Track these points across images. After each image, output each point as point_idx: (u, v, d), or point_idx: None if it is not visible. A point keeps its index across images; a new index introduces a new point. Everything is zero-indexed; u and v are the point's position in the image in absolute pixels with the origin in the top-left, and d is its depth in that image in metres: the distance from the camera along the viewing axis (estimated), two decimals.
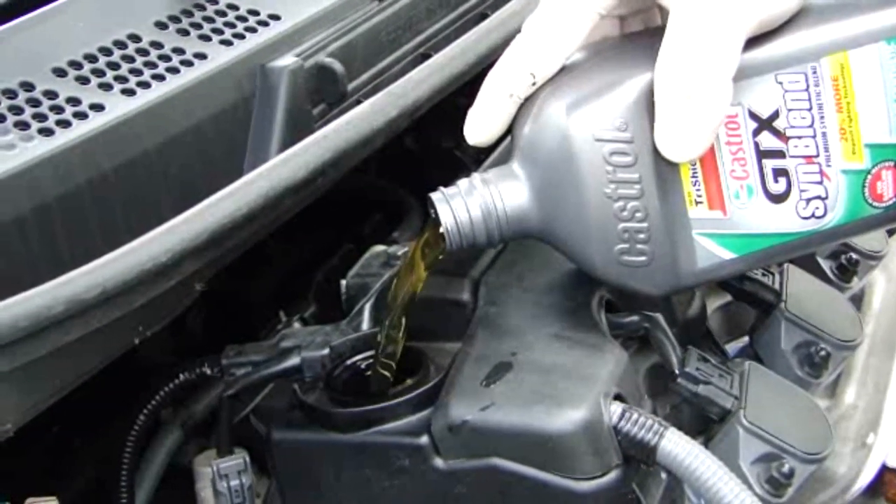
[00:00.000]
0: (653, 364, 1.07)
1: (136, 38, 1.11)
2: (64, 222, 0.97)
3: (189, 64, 1.11)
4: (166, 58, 1.10)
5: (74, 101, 1.02)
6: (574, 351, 0.98)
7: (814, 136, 0.92)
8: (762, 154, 0.92)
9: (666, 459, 0.90)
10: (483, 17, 1.40)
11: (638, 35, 0.99)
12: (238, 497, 1.08)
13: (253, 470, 1.11)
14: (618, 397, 0.94)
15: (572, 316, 1.02)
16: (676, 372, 1.02)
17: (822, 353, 1.15)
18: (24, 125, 0.98)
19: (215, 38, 1.15)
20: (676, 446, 0.90)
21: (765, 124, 0.92)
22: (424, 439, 0.97)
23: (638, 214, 0.92)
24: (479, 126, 0.97)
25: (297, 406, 1.05)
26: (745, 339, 1.22)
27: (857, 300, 1.37)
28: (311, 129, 1.14)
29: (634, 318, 1.06)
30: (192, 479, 1.14)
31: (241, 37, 1.16)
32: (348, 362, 1.08)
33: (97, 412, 1.17)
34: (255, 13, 1.20)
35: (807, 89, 0.91)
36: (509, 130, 0.97)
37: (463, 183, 0.96)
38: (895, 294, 1.42)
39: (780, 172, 0.93)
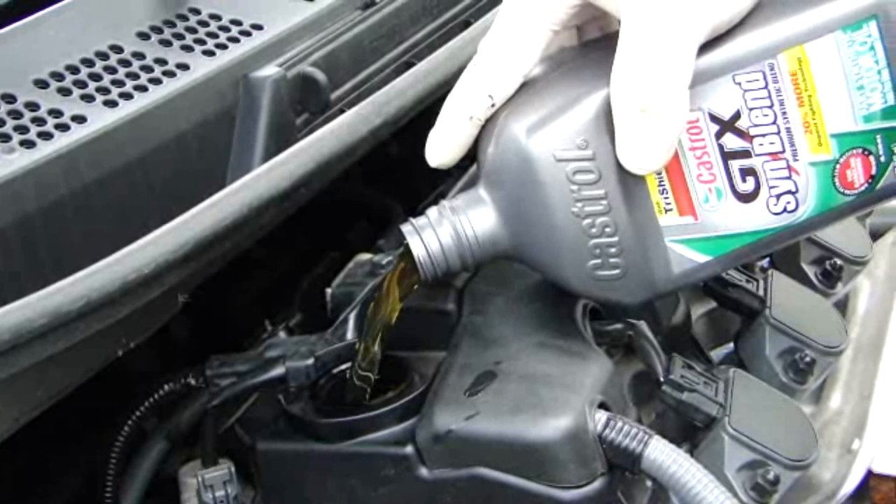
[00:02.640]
0: (637, 372, 1.06)
1: (118, 48, 1.11)
2: (46, 234, 0.97)
3: (171, 75, 1.11)
4: (149, 69, 1.10)
5: (56, 112, 1.02)
6: (558, 359, 0.98)
7: (778, 133, 0.92)
8: (727, 155, 0.92)
9: (651, 467, 0.90)
10: (467, 24, 1.40)
11: (595, 45, 0.99)
12: None
13: (238, 480, 1.10)
14: (602, 405, 0.94)
15: (556, 324, 1.02)
16: (661, 379, 1.02)
17: (807, 359, 1.15)
18: (5, 137, 0.98)
19: (198, 48, 1.15)
20: (661, 454, 0.90)
21: (727, 126, 0.92)
22: (409, 449, 0.97)
23: (607, 230, 0.92)
24: (440, 149, 0.97)
25: (282, 416, 1.05)
26: (730, 345, 1.22)
27: (842, 306, 1.37)
28: (294, 138, 1.14)
29: (618, 325, 1.06)
30: (178, 489, 1.14)
31: (223, 47, 1.16)
32: (333, 372, 1.07)
33: (82, 422, 1.17)
34: (238, 23, 1.20)
35: (766, 87, 0.91)
36: (473, 150, 0.97)
37: (432, 212, 0.97)
38: (880, 299, 1.42)
39: (747, 172, 0.93)
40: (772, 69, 0.91)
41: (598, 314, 1.06)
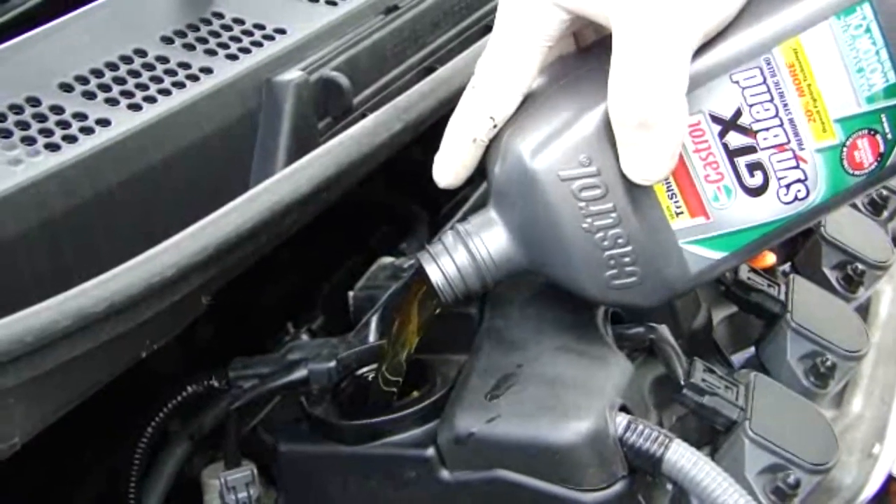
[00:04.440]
0: (658, 375, 1.07)
1: (142, 53, 1.11)
2: (70, 237, 0.98)
3: (195, 79, 1.11)
4: (172, 73, 1.11)
5: (81, 116, 1.03)
6: (579, 363, 0.98)
7: (781, 125, 0.92)
8: (732, 153, 0.92)
9: (671, 471, 0.90)
10: (488, 29, 1.39)
11: (591, 53, 0.98)
12: None
13: (261, 482, 1.11)
14: (623, 409, 0.94)
15: (577, 328, 1.02)
16: (682, 383, 1.02)
17: (828, 363, 1.15)
18: (30, 140, 0.99)
19: (221, 52, 1.15)
20: (682, 457, 0.90)
21: (729, 125, 0.92)
22: (431, 451, 0.97)
23: (620, 241, 0.93)
24: (446, 171, 0.98)
25: (304, 418, 1.05)
26: (751, 349, 1.22)
27: (864, 310, 1.37)
28: (316, 142, 1.14)
29: (640, 329, 1.06)
30: (201, 491, 1.14)
31: (246, 51, 1.17)
32: (355, 374, 1.08)
33: (106, 424, 1.17)
34: (261, 27, 1.20)
35: (764, 82, 0.91)
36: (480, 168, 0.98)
37: (447, 238, 0.97)
38: None
39: (754, 166, 0.93)
40: (768, 64, 0.91)
41: (620, 318, 1.07)
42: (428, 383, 1.03)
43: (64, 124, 1.01)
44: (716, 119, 0.92)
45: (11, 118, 1.00)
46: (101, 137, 1.02)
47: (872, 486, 1.16)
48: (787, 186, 0.94)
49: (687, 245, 0.94)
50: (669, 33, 0.86)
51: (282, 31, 1.21)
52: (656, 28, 0.86)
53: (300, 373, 1.08)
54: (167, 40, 1.14)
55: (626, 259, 0.94)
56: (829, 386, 1.16)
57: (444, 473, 0.97)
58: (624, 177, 0.91)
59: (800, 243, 1.35)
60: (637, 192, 0.92)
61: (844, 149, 0.93)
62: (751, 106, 0.91)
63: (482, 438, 0.94)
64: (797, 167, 0.93)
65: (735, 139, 0.92)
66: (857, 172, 0.94)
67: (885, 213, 1.45)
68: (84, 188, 0.99)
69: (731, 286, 1.21)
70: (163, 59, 1.12)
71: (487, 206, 0.97)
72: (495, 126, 0.95)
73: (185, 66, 1.12)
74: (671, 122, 0.87)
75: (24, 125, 1.00)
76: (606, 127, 0.90)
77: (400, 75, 1.29)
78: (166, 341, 0.98)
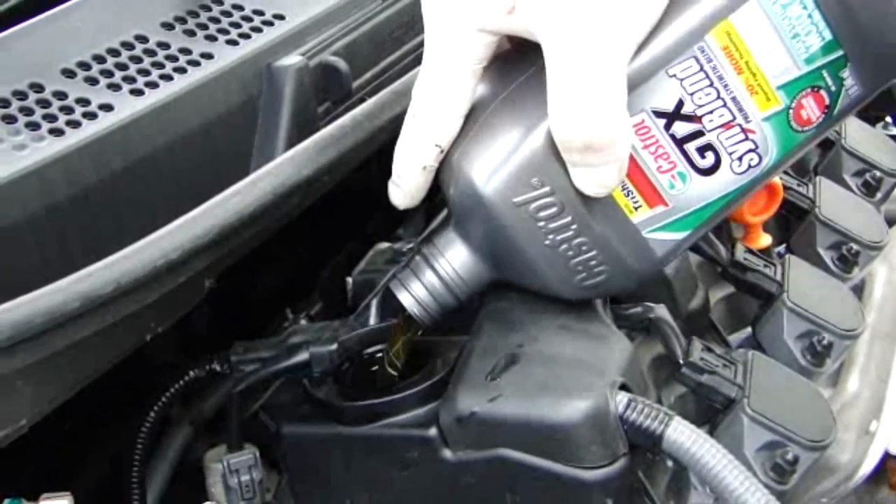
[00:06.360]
0: (657, 355, 1.07)
1: (143, 38, 1.12)
2: (75, 221, 0.98)
3: (196, 64, 1.12)
4: (173, 58, 1.11)
5: (84, 101, 1.03)
6: (579, 342, 0.99)
7: (724, 105, 0.93)
8: (681, 141, 0.93)
9: (671, 448, 0.91)
10: None
11: (528, 56, 0.94)
12: (249, 492, 1.09)
13: (263, 465, 1.11)
14: (623, 387, 0.94)
15: (577, 308, 1.02)
16: (681, 362, 1.03)
17: (825, 342, 1.16)
18: (34, 126, 0.99)
19: (221, 38, 1.16)
20: (682, 435, 0.90)
21: (673, 117, 0.93)
22: (433, 431, 0.98)
23: (584, 248, 0.94)
24: (401, 197, 1.00)
25: (307, 401, 1.06)
26: (748, 330, 1.23)
27: (859, 290, 1.38)
28: (316, 127, 1.14)
29: (638, 309, 1.07)
30: (203, 475, 1.15)
31: (246, 37, 1.17)
32: (357, 357, 1.08)
33: (108, 410, 1.18)
34: (260, 13, 1.21)
35: (702, 69, 0.92)
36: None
37: (414, 263, 1.00)
38: None
39: (704, 149, 0.94)
40: (703, 51, 0.91)
41: (618, 298, 1.07)
42: (429, 364, 1.03)
43: (67, 109, 1.02)
44: (659, 114, 0.92)
45: (15, 104, 1.01)
46: (105, 122, 1.02)
47: (869, 464, 1.17)
48: (740, 158, 0.95)
49: (650, 234, 0.95)
50: (601, 51, 0.85)
51: (281, 17, 1.21)
52: (587, 48, 0.85)
53: (302, 356, 1.09)
54: (168, 26, 1.15)
55: (593, 262, 0.95)
56: (826, 364, 1.17)
57: (447, 453, 0.97)
58: (577, 190, 0.92)
59: (795, 224, 1.36)
60: (592, 202, 0.93)
61: (790, 111, 0.94)
62: (692, 94, 0.92)
63: (484, 418, 0.94)
64: (746, 139, 0.94)
65: (681, 128, 0.93)
66: (806, 129, 0.95)
67: (879, 195, 1.46)
68: (88, 173, 0.99)
69: (728, 267, 1.21)
70: (164, 45, 1.12)
71: (449, 226, 0.99)
72: (442, 151, 0.96)
73: (186, 51, 1.13)
74: (616, 140, 0.87)
75: (27, 111, 1.00)
76: (552, 145, 0.90)
77: (398, 60, 1.30)
78: (170, 324, 0.98)
